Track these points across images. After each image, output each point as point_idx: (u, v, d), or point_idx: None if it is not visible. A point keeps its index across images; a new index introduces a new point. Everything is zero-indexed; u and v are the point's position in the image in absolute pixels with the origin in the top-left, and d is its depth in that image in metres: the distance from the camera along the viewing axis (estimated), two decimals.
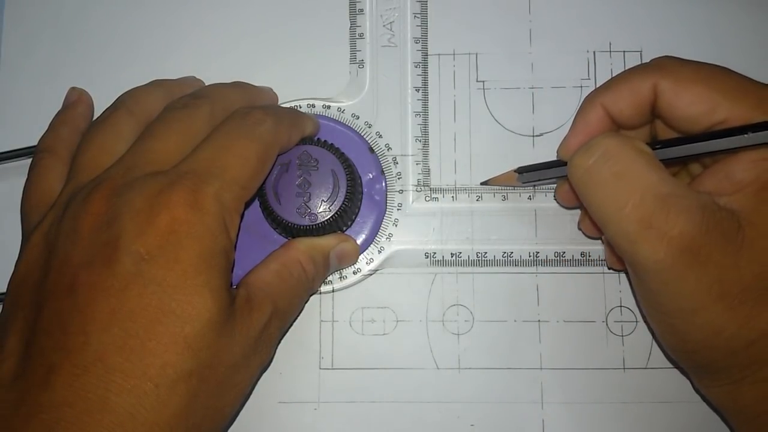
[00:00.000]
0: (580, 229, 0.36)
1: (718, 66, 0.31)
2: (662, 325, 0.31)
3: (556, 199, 0.36)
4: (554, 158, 0.34)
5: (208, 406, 0.28)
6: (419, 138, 0.38)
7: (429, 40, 0.39)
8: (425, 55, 0.38)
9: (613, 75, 0.38)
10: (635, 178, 0.28)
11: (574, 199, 0.34)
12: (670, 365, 0.35)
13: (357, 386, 0.36)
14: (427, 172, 0.38)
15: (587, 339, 0.36)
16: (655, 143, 0.30)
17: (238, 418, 0.35)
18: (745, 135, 0.28)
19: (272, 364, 0.35)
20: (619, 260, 0.34)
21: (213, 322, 0.27)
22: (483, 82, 0.38)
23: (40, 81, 0.39)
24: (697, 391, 0.35)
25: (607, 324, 0.36)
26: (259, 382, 0.35)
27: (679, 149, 0.30)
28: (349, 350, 0.36)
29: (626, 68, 0.38)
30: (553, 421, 0.35)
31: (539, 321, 0.36)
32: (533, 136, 0.38)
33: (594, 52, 0.38)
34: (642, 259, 0.28)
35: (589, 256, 0.36)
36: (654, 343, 0.36)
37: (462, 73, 0.38)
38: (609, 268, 0.36)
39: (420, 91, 0.38)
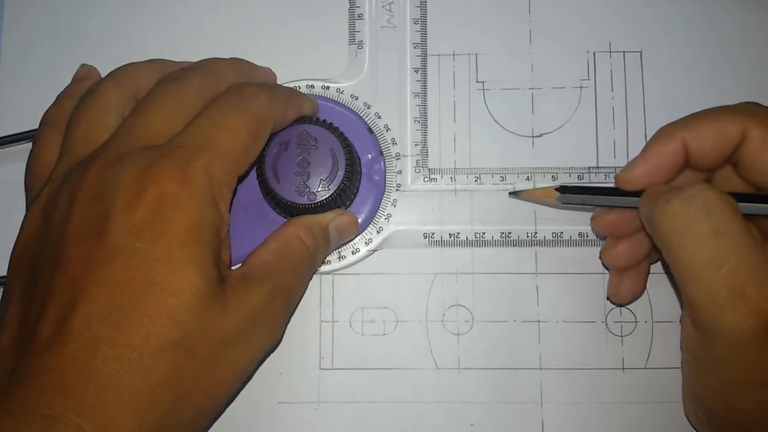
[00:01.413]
0: (600, 259, 0.35)
1: None
2: (714, 392, 0.30)
3: (592, 228, 0.35)
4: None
5: (198, 379, 0.28)
6: (418, 119, 0.38)
7: (428, 27, 0.39)
8: (424, 36, 0.39)
9: (613, 75, 0.38)
10: (734, 239, 0.27)
11: (616, 231, 0.33)
12: (670, 365, 0.35)
13: (357, 386, 0.36)
14: (425, 152, 0.38)
15: (587, 339, 0.36)
16: (737, 196, 0.28)
17: (238, 418, 0.35)
18: None
19: (272, 364, 0.35)
20: (623, 295, 0.34)
21: (199, 295, 0.28)
22: (483, 82, 0.38)
23: (40, 81, 0.39)
24: None
25: (606, 324, 0.36)
26: (259, 382, 0.35)
27: (761, 207, 0.28)
28: (349, 350, 0.36)
29: (626, 68, 0.38)
30: (552, 421, 0.35)
31: (539, 321, 0.36)
32: (533, 137, 0.38)
33: (594, 52, 0.38)
34: (723, 326, 0.27)
35: (587, 236, 0.36)
36: (653, 343, 0.36)
37: (462, 73, 0.38)
38: (611, 301, 0.36)
39: (419, 72, 0.38)
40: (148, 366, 0.27)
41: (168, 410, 0.27)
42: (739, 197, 0.28)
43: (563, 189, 0.33)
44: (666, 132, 0.31)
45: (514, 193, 0.36)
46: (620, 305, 0.36)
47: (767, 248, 0.29)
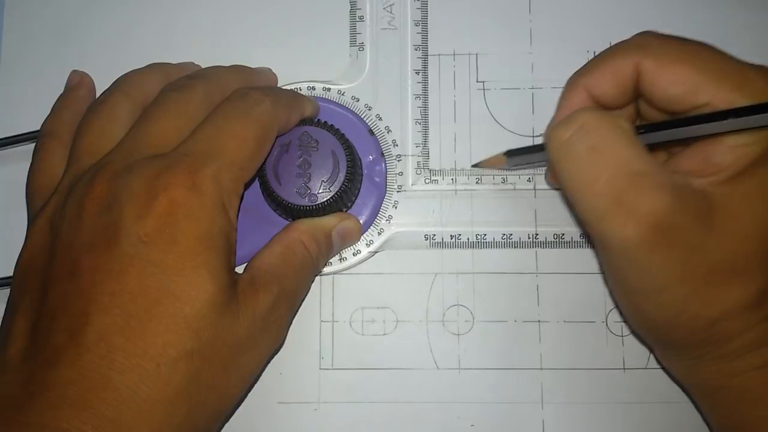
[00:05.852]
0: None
1: (702, 43, 0.29)
2: (626, 302, 0.31)
3: (546, 181, 0.37)
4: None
5: (212, 385, 0.28)
6: (419, 120, 0.38)
7: (429, 25, 0.39)
8: (425, 38, 0.39)
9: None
10: (610, 153, 0.28)
11: None
12: None
13: (357, 386, 0.36)
14: (426, 154, 0.38)
15: (587, 339, 0.36)
16: (638, 128, 0.29)
17: (238, 418, 0.35)
18: (725, 121, 0.27)
19: (272, 364, 0.35)
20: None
21: (213, 303, 0.28)
22: (483, 82, 0.38)
23: (40, 81, 0.39)
24: (658, 360, 0.35)
25: (607, 324, 0.36)
26: (259, 382, 0.35)
27: (661, 134, 0.29)
28: (349, 350, 0.36)
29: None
30: (553, 421, 0.35)
31: (539, 321, 0.36)
32: (533, 136, 0.38)
33: (594, 52, 0.38)
34: (609, 235, 0.28)
35: (589, 237, 0.36)
36: None
37: (462, 73, 0.38)
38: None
39: (420, 74, 0.38)
40: (166, 376, 0.26)
41: (184, 419, 0.27)
42: (642, 129, 0.29)
43: (509, 153, 0.35)
44: (571, 83, 0.32)
45: (475, 165, 0.37)
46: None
47: (668, 165, 0.30)
